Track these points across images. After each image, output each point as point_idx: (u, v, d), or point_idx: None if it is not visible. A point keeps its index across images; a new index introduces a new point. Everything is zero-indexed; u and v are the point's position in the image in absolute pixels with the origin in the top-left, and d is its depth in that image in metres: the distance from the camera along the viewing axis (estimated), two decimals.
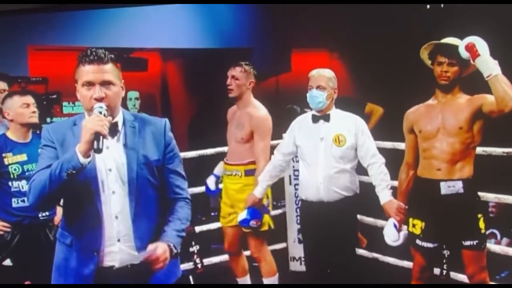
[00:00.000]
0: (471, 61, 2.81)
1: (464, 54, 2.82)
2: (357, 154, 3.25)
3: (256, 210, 3.46)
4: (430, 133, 2.97)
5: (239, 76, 3.60)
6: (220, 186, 3.87)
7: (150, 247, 2.03)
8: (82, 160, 1.94)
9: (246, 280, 3.86)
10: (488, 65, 2.76)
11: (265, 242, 3.70)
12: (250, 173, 3.58)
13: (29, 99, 3.27)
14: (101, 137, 1.94)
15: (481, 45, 2.79)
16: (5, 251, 3.20)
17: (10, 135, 3.27)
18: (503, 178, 3.67)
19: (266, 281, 3.73)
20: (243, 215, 3.47)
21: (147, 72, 7.56)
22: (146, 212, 2.08)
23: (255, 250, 3.66)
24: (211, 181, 3.87)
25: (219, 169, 3.87)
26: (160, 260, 2.01)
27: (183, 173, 2.23)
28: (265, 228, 3.59)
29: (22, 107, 3.23)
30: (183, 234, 2.14)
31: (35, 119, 3.28)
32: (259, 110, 3.61)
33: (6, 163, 3.20)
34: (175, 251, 2.07)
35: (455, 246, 2.98)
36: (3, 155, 3.20)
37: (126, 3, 5.91)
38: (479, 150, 3.27)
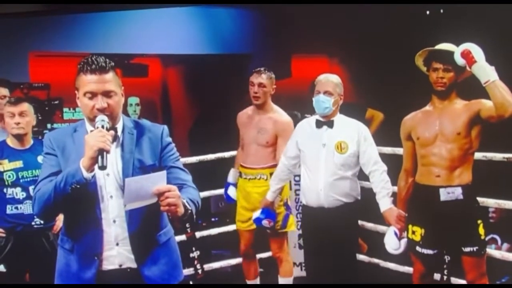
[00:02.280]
0: (467, 68, 2.81)
1: (460, 61, 2.82)
2: (359, 161, 3.24)
3: (270, 211, 3.51)
4: (428, 139, 2.96)
5: (267, 84, 3.62)
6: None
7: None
8: (86, 175, 1.97)
9: (256, 283, 3.89)
10: (485, 71, 2.76)
11: (287, 243, 3.75)
12: None
13: (15, 108, 3.17)
14: (105, 153, 1.95)
15: (477, 51, 2.79)
16: None
17: (9, 141, 3.26)
18: (502, 183, 3.67)
19: (282, 280, 3.77)
20: (257, 214, 3.53)
21: (147, 78, 7.58)
22: (142, 215, 2.08)
23: (278, 250, 3.70)
24: (232, 191, 3.90)
25: (233, 177, 3.91)
26: (172, 194, 1.93)
27: (184, 168, 2.23)
28: (292, 228, 3.67)
29: (7, 116, 3.18)
30: (193, 205, 2.07)
31: (17, 131, 3.19)
32: (282, 115, 3.65)
33: (1, 170, 3.18)
34: (189, 207, 2.02)
35: (455, 253, 2.97)
36: None
37: (124, 3, 5.92)
38: (479, 155, 3.26)
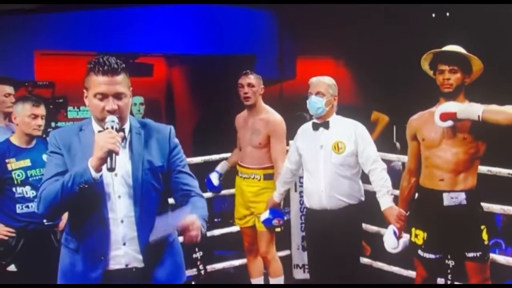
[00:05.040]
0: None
1: (447, 123, 2.79)
2: (358, 160, 3.24)
3: (277, 210, 3.57)
4: (434, 141, 2.92)
5: (255, 83, 3.67)
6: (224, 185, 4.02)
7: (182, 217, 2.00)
8: (94, 175, 1.96)
9: (260, 281, 3.91)
10: (469, 112, 2.73)
11: (273, 242, 3.76)
12: (268, 177, 3.68)
13: (40, 110, 3.21)
14: (113, 155, 1.95)
15: (448, 107, 2.78)
16: (10, 257, 3.16)
17: (14, 140, 3.23)
18: (507, 188, 3.66)
19: (273, 281, 3.79)
20: (265, 215, 3.56)
21: (152, 78, 7.58)
22: (150, 216, 2.08)
23: (266, 250, 3.72)
24: (214, 177, 4.02)
25: (221, 167, 4.04)
26: (195, 226, 1.97)
27: (191, 173, 2.23)
28: (278, 229, 3.69)
29: (30, 117, 3.18)
30: (205, 223, 2.08)
31: (38, 133, 3.23)
32: (274, 115, 3.70)
33: (9, 168, 3.16)
34: (203, 231, 2.04)
35: (458, 258, 2.95)
36: (6, 160, 3.15)
37: (128, 3, 5.93)
38: (484, 169, 3.25)
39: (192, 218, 1.97)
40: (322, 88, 3.25)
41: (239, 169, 3.83)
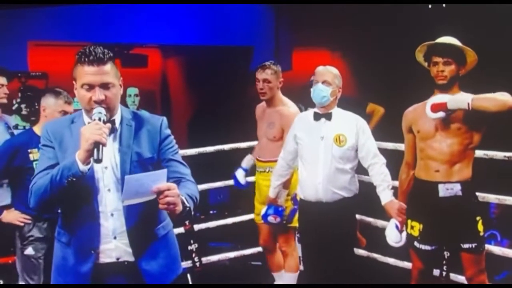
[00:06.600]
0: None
1: (438, 114, 2.81)
2: (357, 154, 3.21)
3: (276, 207, 3.50)
4: (428, 133, 2.93)
5: (271, 79, 3.60)
6: (250, 179, 3.93)
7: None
8: (82, 167, 1.94)
9: (281, 274, 3.86)
10: (459, 102, 2.76)
11: (294, 238, 3.75)
12: None
13: (70, 108, 3.23)
14: (100, 146, 1.92)
15: (439, 98, 2.81)
16: (26, 240, 3.19)
17: (37, 130, 3.21)
18: (502, 179, 3.65)
19: (287, 275, 3.77)
20: (263, 210, 3.53)
21: (147, 69, 7.54)
22: (140, 209, 2.06)
23: (284, 244, 3.71)
24: (240, 175, 3.93)
25: (247, 162, 3.93)
26: (172, 193, 1.91)
27: (183, 161, 2.21)
28: (296, 224, 3.62)
29: (60, 113, 3.19)
30: (192, 201, 2.04)
31: None
32: (289, 108, 3.62)
33: (31, 159, 3.14)
34: (187, 204, 2.00)
35: (454, 249, 2.96)
36: (29, 151, 3.15)
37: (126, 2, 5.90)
38: (480, 153, 3.24)
39: (169, 184, 1.94)
40: (329, 78, 3.19)
41: (256, 163, 3.79)
